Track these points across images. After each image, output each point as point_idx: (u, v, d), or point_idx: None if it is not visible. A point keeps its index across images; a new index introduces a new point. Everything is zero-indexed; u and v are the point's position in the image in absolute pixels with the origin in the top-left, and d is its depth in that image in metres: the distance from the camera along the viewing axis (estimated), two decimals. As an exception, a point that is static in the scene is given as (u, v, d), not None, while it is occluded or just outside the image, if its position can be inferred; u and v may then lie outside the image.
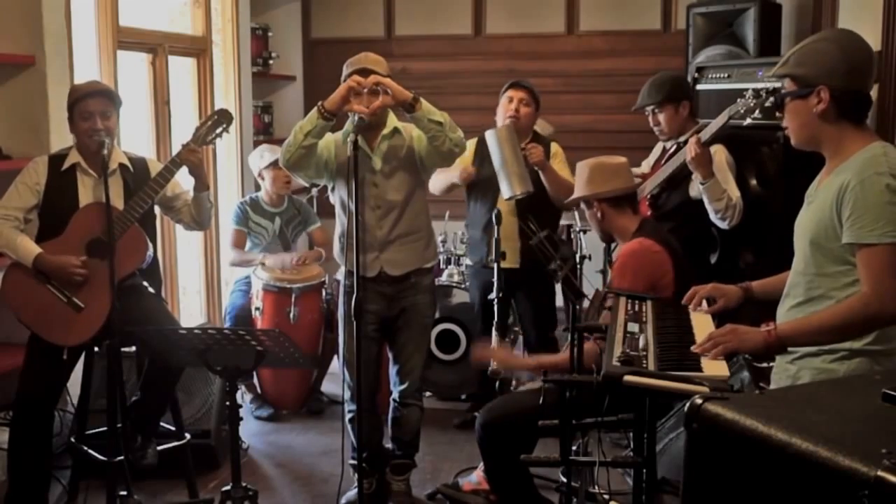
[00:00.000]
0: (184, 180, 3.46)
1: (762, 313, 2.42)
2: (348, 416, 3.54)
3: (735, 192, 3.57)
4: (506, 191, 3.90)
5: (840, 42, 2.17)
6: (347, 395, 3.54)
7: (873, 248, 2.06)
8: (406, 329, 3.55)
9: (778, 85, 3.39)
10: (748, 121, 3.47)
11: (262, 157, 4.77)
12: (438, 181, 4.13)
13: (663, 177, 3.78)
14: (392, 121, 3.47)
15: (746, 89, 3.50)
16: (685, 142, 3.76)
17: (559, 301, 4.81)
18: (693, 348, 2.14)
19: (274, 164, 4.64)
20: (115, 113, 3.32)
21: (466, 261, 4.81)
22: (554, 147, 4.19)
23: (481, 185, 4.17)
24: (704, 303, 2.52)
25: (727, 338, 2.13)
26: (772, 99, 3.36)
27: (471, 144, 4.18)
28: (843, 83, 2.13)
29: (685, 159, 3.54)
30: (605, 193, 3.16)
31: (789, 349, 2.23)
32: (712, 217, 3.60)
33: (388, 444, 3.71)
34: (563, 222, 4.73)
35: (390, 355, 3.64)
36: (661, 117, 3.81)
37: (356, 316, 3.09)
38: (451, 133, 3.29)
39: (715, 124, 3.54)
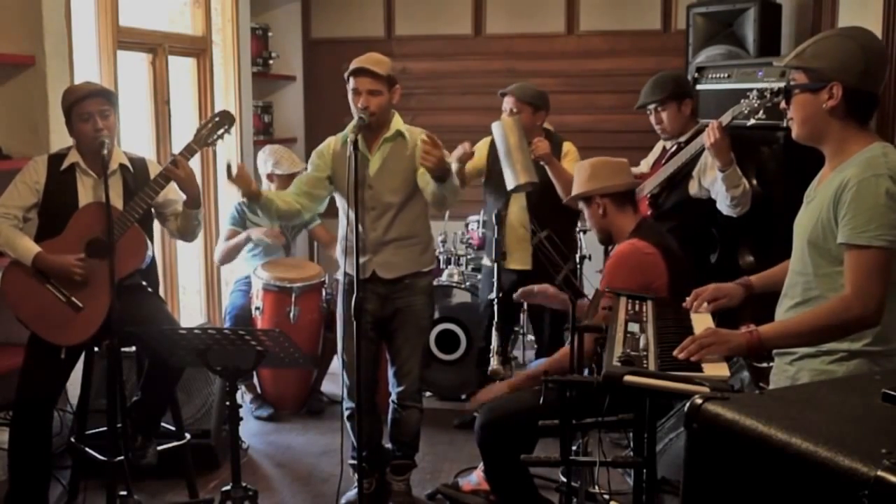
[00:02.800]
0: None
1: (763, 313, 2.42)
2: (346, 414, 3.55)
3: (745, 181, 3.55)
4: (510, 181, 3.84)
5: (860, 40, 2.14)
6: (345, 392, 3.54)
7: (862, 251, 2.05)
8: (401, 331, 3.53)
9: (783, 84, 3.41)
10: (752, 121, 3.46)
11: (277, 162, 4.75)
12: None
13: (664, 176, 3.77)
14: (396, 123, 3.46)
15: (746, 90, 3.49)
16: (686, 142, 3.76)
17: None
18: (675, 352, 2.10)
19: (289, 176, 4.61)
20: (114, 111, 3.31)
21: (465, 260, 4.83)
22: (566, 146, 4.20)
23: (495, 183, 4.16)
24: (704, 304, 2.52)
25: (709, 340, 2.11)
26: (777, 99, 3.36)
27: (485, 142, 4.18)
28: (857, 82, 2.11)
29: (704, 145, 3.49)
30: (610, 188, 3.15)
31: (788, 350, 2.23)
32: (724, 205, 3.56)
33: (388, 444, 3.71)
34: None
35: (388, 357, 3.64)
36: (664, 115, 3.80)
37: (356, 316, 3.09)
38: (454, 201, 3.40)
39: (728, 115, 3.50)
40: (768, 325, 2.20)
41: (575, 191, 3.25)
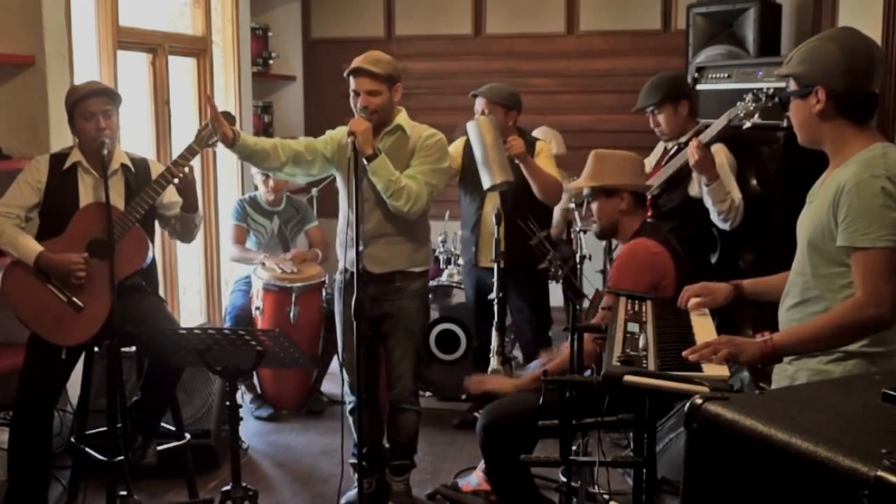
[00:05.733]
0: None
1: (762, 313, 2.41)
2: (348, 408, 3.55)
3: (737, 194, 3.57)
4: (486, 181, 3.86)
5: (840, 41, 2.14)
6: (346, 387, 3.55)
7: (867, 252, 2.05)
8: (392, 334, 3.51)
9: (779, 85, 3.41)
10: (749, 124, 3.46)
11: None
12: None
13: (664, 177, 3.78)
14: (400, 118, 3.45)
15: (746, 90, 3.49)
16: (686, 142, 3.76)
17: (559, 301, 4.80)
18: (685, 353, 2.10)
19: (265, 177, 4.68)
20: (116, 112, 3.31)
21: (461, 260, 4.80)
22: (539, 145, 4.21)
23: (470, 184, 4.16)
24: (694, 299, 2.51)
25: (725, 346, 2.11)
26: (774, 101, 3.37)
27: (460, 142, 4.20)
28: (842, 84, 2.12)
29: (689, 163, 3.53)
30: (638, 187, 3.11)
31: None
32: (714, 218, 3.60)
33: (388, 444, 3.71)
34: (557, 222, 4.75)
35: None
36: (661, 118, 3.81)
37: (356, 316, 3.09)
38: (392, 199, 3.31)
39: (715, 127, 3.53)
40: (782, 332, 2.21)
41: (597, 180, 3.11)
